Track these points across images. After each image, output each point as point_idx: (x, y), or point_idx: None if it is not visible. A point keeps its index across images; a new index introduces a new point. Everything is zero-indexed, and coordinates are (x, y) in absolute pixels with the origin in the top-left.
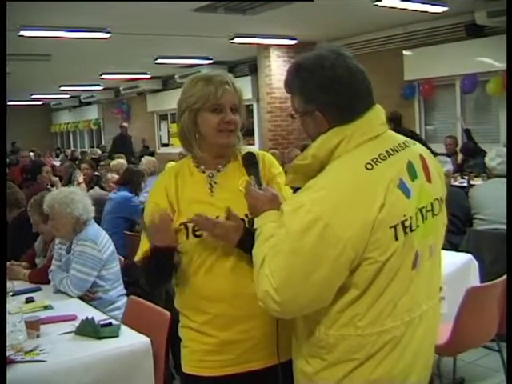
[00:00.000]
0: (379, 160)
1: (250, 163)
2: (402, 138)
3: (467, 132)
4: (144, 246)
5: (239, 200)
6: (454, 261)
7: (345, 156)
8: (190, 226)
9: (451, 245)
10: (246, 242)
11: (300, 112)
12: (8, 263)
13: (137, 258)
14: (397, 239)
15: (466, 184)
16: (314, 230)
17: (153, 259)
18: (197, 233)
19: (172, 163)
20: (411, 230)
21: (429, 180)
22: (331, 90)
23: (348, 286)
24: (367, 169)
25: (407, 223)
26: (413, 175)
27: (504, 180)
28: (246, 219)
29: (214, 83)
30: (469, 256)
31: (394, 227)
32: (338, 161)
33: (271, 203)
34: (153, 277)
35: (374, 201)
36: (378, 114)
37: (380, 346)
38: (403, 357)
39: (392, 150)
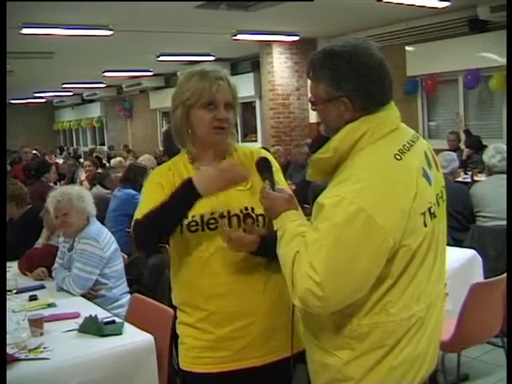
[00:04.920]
0: (404, 151)
1: (264, 168)
2: (412, 131)
3: (467, 132)
4: (147, 206)
5: (234, 196)
6: (457, 257)
7: (370, 148)
8: (185, 221)
9: (455, 241)
10: (261, 247)
11: (324, 98)
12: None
13: (139, 215)
14: (425, 225)
15: (469, 180)
16: (357, 221)
17: (179, 197)
18: (192, 228)
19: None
20: (434, 217)
21: (437, 169)
22: (363, 77)
23: (384, 276)
24: (396, 159)
25: (432, 210)
26: (429, 164)
27: (505, 176)
28: (242, 215)
29: (209, 79)
30: (473, 252)
31: (423, 214)
32: (365, 152)
33: (289, 204)
34: (165, 220)
35: (409, 190)
36: (394, 108)
37: (407, 329)
38: (423, 338)
39: (411, 141)
